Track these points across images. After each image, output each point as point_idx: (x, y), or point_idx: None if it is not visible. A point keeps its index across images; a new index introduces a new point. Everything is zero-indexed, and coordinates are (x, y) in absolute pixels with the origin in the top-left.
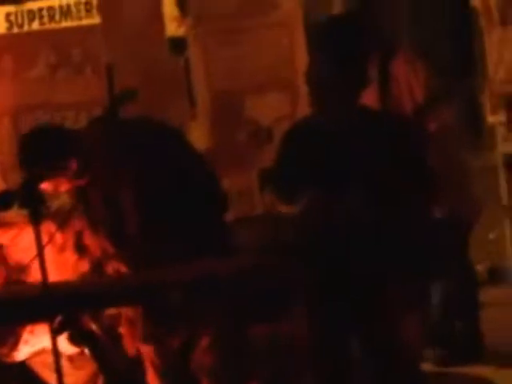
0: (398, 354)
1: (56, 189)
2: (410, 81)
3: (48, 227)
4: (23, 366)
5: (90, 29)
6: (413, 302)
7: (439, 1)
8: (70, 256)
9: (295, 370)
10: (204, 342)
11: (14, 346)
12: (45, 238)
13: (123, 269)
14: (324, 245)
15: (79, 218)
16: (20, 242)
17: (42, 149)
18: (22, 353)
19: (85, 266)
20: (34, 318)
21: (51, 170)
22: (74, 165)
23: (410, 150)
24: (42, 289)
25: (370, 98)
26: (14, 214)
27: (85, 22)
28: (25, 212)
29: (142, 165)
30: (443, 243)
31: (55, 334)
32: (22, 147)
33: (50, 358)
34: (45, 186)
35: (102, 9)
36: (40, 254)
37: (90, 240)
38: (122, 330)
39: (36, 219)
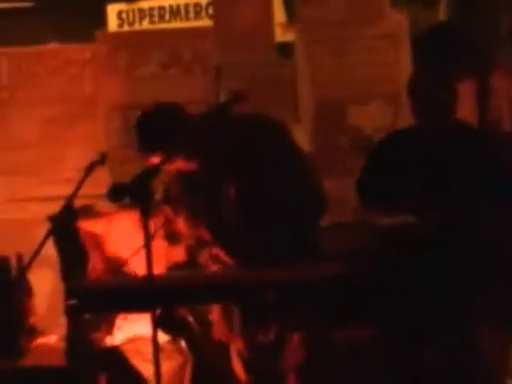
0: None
1: (169, 168)
2: (509, 96)
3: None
4: (116, 351)
5: (202, 31)
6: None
7: None
8: (161, 244)
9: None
10: (294, 340)
11: (108, 331)
12: (135, 226)
13: (221, 256)
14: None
15: (169, 206)
16: (112, 232)
17: (163, 128)
18: (115, 338)
19: (176, 254)
20: (137, 309)
21: (170, 149)
22: (187, 147)
23: (503, 170)
24: (147, 281)
25: (469, 111)
26: (104, 203)
27: (193, 23)
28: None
29: (247, 158)
30: None
31: (157, 326)
32: (142, 126)
33: (141, 346)
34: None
35: (214, 12)
36: (148, 249)
37: (183, 227)
38: (213, 317)
39: (146, 215)
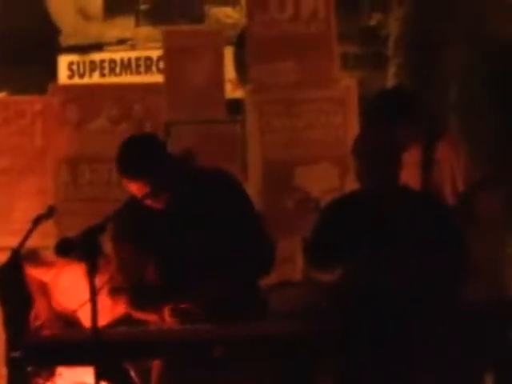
0: None
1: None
2: (452, 165)
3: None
4: None
5: (154, 86)
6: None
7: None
8: (106, 300)
9: None
10: None
11: (49, 378)
12: (82, 278)
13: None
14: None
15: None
16: (60, 282)
17: (149, 153)
18: None
19: (120, 310)
20: (80, 362)
21: (152, 177)
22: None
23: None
24: (91, 335)
25: (412, 179)
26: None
27: (144, 77)
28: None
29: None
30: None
31: (99, 378)
32: (128, 151)
33: None
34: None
35: (165, 68)
36: (93, 303)
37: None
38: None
39: (92, 271)
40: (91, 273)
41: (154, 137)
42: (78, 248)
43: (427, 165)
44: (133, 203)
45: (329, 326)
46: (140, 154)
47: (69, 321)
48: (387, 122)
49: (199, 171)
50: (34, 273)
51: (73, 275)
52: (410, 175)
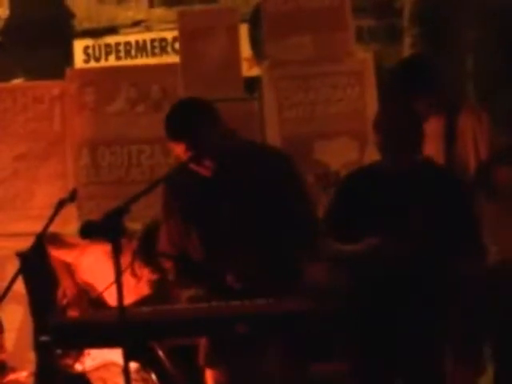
0: None
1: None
2: (475, 135)
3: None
4: (82, 379)
5: (170, 67)
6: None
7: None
8: (129, 279)
9: None
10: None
11: (78, 357)
12: (106, 257)
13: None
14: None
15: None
16: (83, 262)
17: (192, 115)
18: (85, 365)
19: (144, 289)
20: (108, 344)
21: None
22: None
23: (462, 206)
24: (118, 316)
25: (436, 150)
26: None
27: (159, 58)
28: None
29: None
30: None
31: (127, 359)
32: (173, 112)
33: (109, 375)
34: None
35: (181, 48)
36: (118, 285)
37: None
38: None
39: (117, 252)
40: (116, 254)
41: (200, 102)
42: (102, 230)
43: (450, 136)
44: (182, 171)
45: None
46: (181, 115)
47: (93, 299)
48: (408, 93)
49: (247, 145)
50: (58, 254)
51: (96, 255)
52: (434, 146)
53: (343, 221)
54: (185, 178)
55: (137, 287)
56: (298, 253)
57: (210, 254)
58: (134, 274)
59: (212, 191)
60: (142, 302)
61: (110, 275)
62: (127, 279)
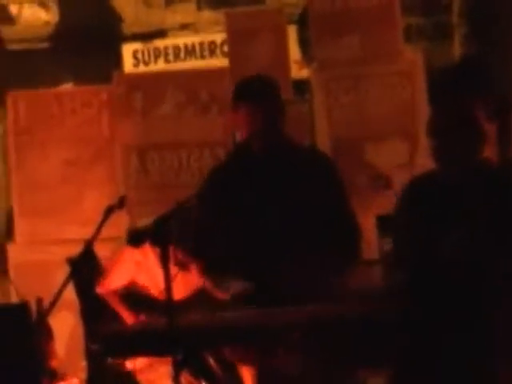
0: None
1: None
2: None
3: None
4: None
5: (218, 70)
6: None
7: None
8: (174, 269)
9: None
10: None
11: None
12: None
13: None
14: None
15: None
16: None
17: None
18: (136, 362)
19: (193, 279)
20: (159, 353)
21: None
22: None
23: None
24: (169, 325)
25: (489, 152)
26: None
27: (208, 61)
28: None
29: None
30: None
31: (178, 368)
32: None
33: (154, 374)
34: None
35: (230, 51)
36: (168, 292)
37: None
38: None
39: (165, 258)
40: (164, 260)
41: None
42: (150, 237)
43: (503, 139)
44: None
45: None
46: (266, 81)
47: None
48: (465, 96)
49: (297, 146)
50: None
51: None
52: (486, 151)
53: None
54: (234, 169)
55: (188, 280)
56: (339, 258)
57: (251, 251)
58: (183, 267)
59: (259, 185)
60: (196, 293)
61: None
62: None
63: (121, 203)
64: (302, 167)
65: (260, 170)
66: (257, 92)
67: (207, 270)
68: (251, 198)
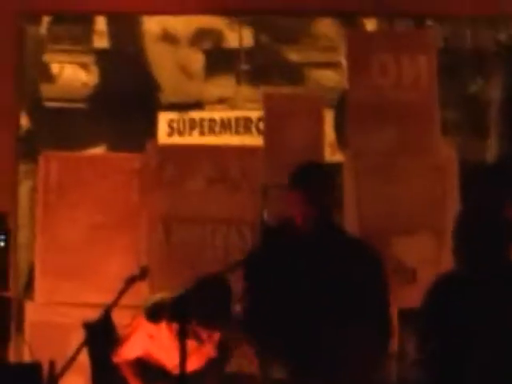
0: None
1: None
2: None
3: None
4: None
5: (252, 149)
6: None
7: None
8: (192, 343)
9: None
10: None
11: None
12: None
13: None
14: None
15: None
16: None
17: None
18: None
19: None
20: None
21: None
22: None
23: None
24: None
25: None
26: None
27: (243, 136)
28: None
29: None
30: None
31: None
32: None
33: None
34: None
35: (265, 129)
36: (182, 368)
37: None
38: None
39: (183, 335)
40: (182, 337)
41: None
42: (169, 315)
43: None
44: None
45: None
46: (323, 169)
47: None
48: (496, 195)
49: (346, 234)
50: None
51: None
52: None
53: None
54: (281, 249)
55: (201, 350)
56: (370, 347)
57: (294, 331)
58: (197, 338)
59: (306, 268)
60: (208, 364)
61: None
62: (191, 343)
63: (143, 274)
64: (349, 255)
65: (308, 253)
66: (314, 181)
67: (258, 353)
68: (297, 279)
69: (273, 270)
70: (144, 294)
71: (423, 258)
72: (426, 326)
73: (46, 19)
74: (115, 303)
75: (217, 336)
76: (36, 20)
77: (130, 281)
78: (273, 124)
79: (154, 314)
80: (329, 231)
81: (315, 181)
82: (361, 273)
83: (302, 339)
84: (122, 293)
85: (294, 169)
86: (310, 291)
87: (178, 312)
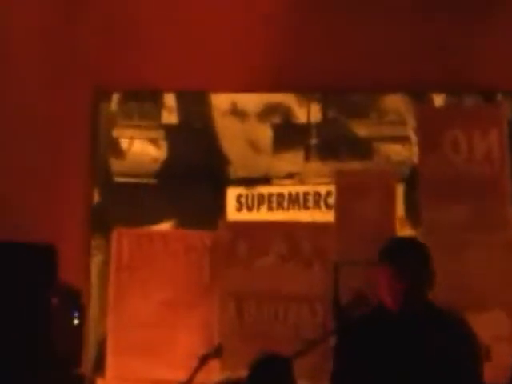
0: None
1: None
2: None
3: None
4: None
5: (323, 225)
6: None
7: None
8: None
9: None
10: None
11: None
12: None
13: None
14: None
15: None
16: None
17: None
18: None
19: None
20: None
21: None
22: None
23: None
24: None
25: None
26: None
27: (312, 211)
28: None
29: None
30: None
31: None
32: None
33: None
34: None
35: (336, 207)
36: None
37: None
38: None
39: None
40: None
41: None
42: None
43: None
44: (365, 322)
45: None
46: (414, 247)
47: None
48: None
49: (438, 310)
50: None
51: None
52: None
53: None
54: (372, 326)
55: None
56: None
57: None
58: None
59: (396, 345)
60: None
61: None
62: None
63: (217, 352)
64: (440, 332)
65: (398, 331)
66: (402, 256)
67: None
68: (387, 357)
69: (365, 347)
70: (214, 371)
71: (497, 335)
72: None
73: (117, 96)
74: (190, 381)
75: None
76: (108, 97)
77: (205, 359)
78: (344, 200)
79: None
80: (419, 307)
81: (402, 256)
82: (457, 350)
83: None
84: (196, 370)
85: (383, 244)
86: (404, 369)
87: None
